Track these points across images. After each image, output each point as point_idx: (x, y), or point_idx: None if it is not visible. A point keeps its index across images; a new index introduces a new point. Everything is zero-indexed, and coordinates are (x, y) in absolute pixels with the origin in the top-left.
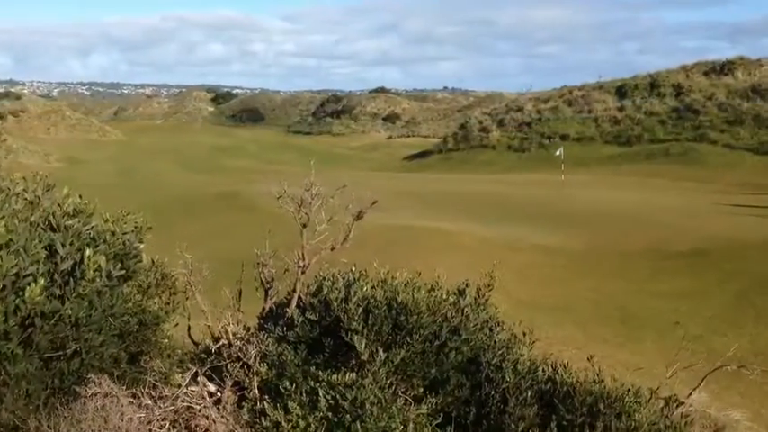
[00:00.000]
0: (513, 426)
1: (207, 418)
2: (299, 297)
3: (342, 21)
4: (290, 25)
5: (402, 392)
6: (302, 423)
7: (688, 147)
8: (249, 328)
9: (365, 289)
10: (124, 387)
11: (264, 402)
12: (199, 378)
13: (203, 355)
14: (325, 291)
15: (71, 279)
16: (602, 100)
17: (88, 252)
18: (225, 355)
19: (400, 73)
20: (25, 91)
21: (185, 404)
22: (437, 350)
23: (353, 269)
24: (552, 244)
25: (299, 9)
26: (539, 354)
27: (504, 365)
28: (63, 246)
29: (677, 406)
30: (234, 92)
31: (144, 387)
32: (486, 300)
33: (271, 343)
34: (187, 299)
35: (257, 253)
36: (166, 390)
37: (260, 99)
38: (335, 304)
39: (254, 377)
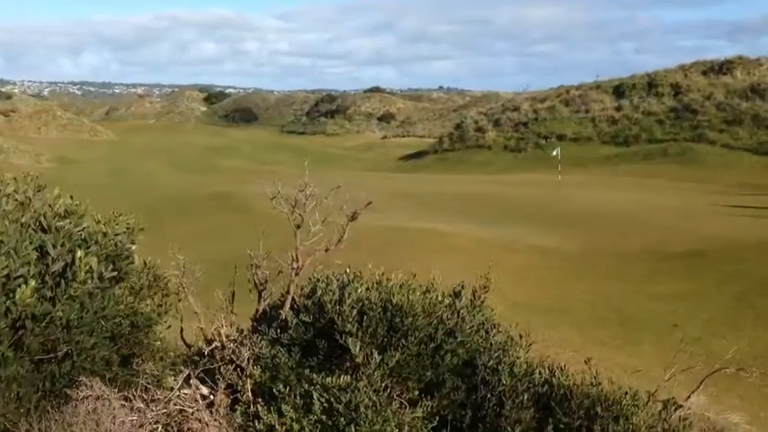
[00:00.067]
0: (509, 429)
1: (200, 421)
2: (293, 299)
3: (336, 19)
4: (284, 24)
5: (397, 395)
6: (296, 426)
7: (686, 147)
8: (242, 331)
9: (360, 291)
10: (116, 390)
11: (258, 405)
12: (191, 381)
13: (196, 358)
14: (320, 292)
15: (62, 281)
16: (599, 99)
17: (79, 253)
18: (218, 357)
19: (395, 72)
20: (16, 90)
21: (178, 407)
22: (432, 353)
23: (348, 271)
24: (549, 245)
25: (293, 8)
26: (535, 356)
27: (500, 368)
28: (54, 247)
29: (675, 409)
30: (227, 91)
31: (136, 390)
32: (482, 302)
33: (264, 345)
34: (180, 301)
35: (250, 254)
36: (159, 393)
37: (253, 99)
38: (330, 306)
39: (248, 380)
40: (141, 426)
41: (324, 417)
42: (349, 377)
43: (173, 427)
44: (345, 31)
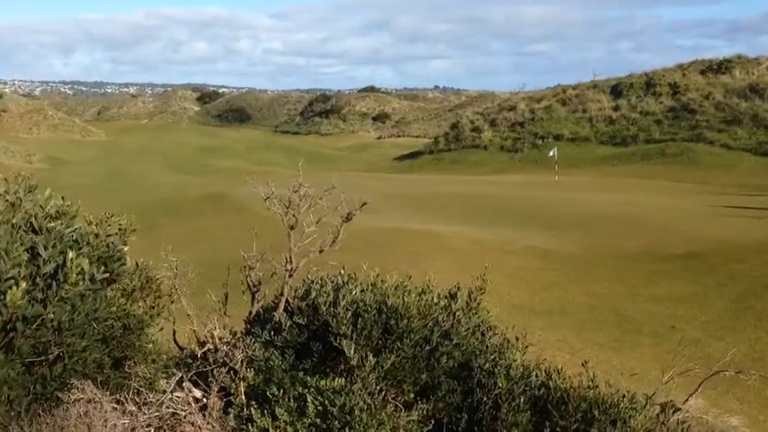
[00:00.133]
0: None
1: (192, 424)
2: (287, 301)
3: (330, 18)
4: (278, 23)
5: (392, 398)
6: (290, 429)
7: (684, 147)
8: (236, 333)
9: (354, 292)
10: (108, 393)
11: (251, 408)
12: (184, 384)
13: (189, 360)
14: (314, 294)
15: (53, 282)
16: (596, 99)
17: (71, 255)
18: (211, 360)
19: (390, 71)
20: (6, 90)
21: (170, 410)
22: (428, 355)
23: (342, 272)
24: (546, 246)
25: (287, 6)
26: (532, 359)
27: (496, 371)
28: (45, 248)
29: (674, 412)
30: (220, 91)
31: (128, 393)
32: (478, 303)
33: (258, 348)
34: (172, 302)
35: (244, 255)
36: (151, 396)
37: (247, 98)
38: (324, 308)
39: (241, 383)
40: (133, 429)
41: (318, 420)
42: (343, 380)
43: (165, 431)
44: (340, 30)
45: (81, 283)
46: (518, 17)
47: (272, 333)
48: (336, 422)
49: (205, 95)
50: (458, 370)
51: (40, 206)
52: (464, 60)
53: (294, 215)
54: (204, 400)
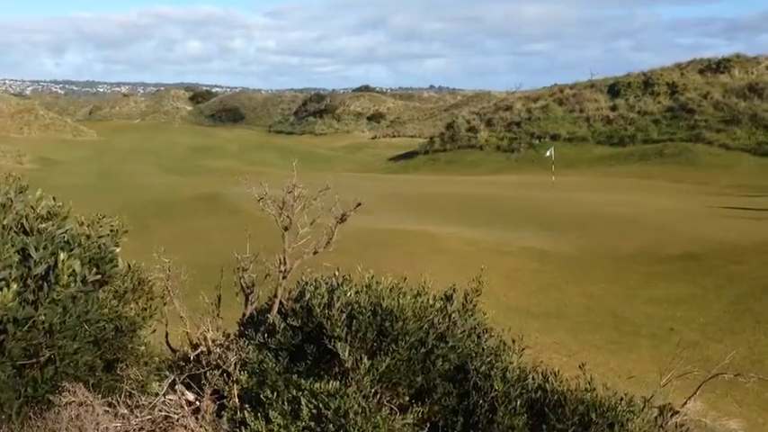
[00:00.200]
0: None
1: (185, 427)
2: (281, 303)
3: (325, 17)
4: (272, 21)
5: (387, 401)
6: None
7: (683, 147)
8: (229, 335)
9: (349, 294)
10: (100, 396)
11: (245, 411)
12: (177, 386)
13: (181, 363)
14: (308, 296)
15: (45, 284)
16: (593, 99)
17: (62, 256)
18: (204, 362)
19: (385, 71)
20: None
21: (163, 413)
22: (423, 357)
23: (337, 274)
24: (542, 247)
25: (281, 5)
26: (528, 361)
27: (492, 373)
28: (36, 250)
29: (672, 415)
30: (213, 90)
31: (120, 396)
32: (474, 305)
33: (251, 350)
34: (165, 304)
35: (237, 257)
36: (143, 398)
37: (240, 98)
38: (318, 310)
39: (234, 385)
40: None
41: (312, 423)
42: (338, 383)
43: None
44: (334, 29)
45: (72, 284)
46: (515, 16)
47: (266, 335)
48: (331, 425)
49: (198, 95)
50: (453, 373)
51: (31, 207)
52: (460, 59)
53: (288, 216)
54: (197, 403)
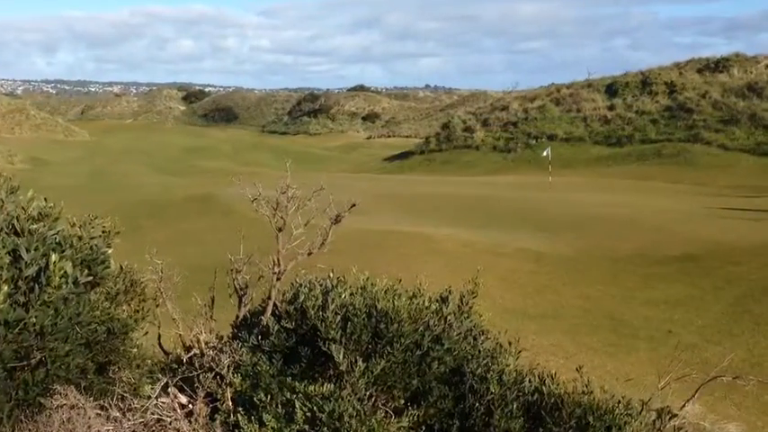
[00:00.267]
0: None
1: (178, 431)
2: (275, 304)
3: (319, 15)
4: (266, 20)
5: (382, 404)
6: None
7: (681, 147)
8: (222, 337)
9: (343, 296)
10: (91, 399)
11: (238, 415)
12: (169, 389)
13: (174, 366)
14: (302, 298)
15: (36, 286)
16: (591, 98)
17: (54, 257)
18: (197, 365)
19: (380, 70)
20: None
21: (155, 416)
22: (419, 360)
23: (331, 275)
24: (539, 249)
25: (275, 3)
26: (525, 364)
27: (488, 376)
28: (27, 251)
29: (670, 418)
30: (206, 90)
31: (112, 399)
32: (470, 307)
33: (245, 352)
34: (157, 306)
35: (231, 258)
36: (135, 401)
37: (233, 97)
38: (312, 312)
39: (228, 388)
40: None
41: (306, 426)
42: (332, 385)
43: None
44: (329, 28)
45: (64, 286)
46: (510, 14)
47: (260, 337)
48: (325, 428)
49: (191, 95)
50: (449, 375)
51: (23, 208)
52: (455, 59)
53: (282, 217)
54: (190, 406)
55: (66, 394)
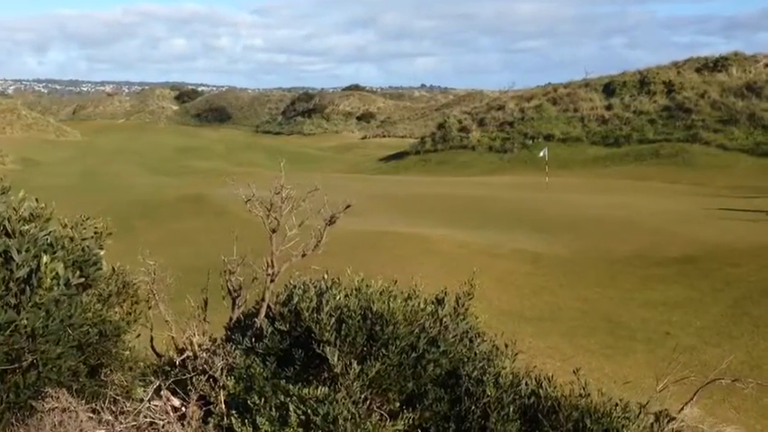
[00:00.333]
0: None
1: None
2: (269, 306)
3: (313, 14)
4: (259, 19)
5: (377, 407)
6: None
7: (679, 147)
8: (215, 340)
9: (338, 298)
10: (83, 401)
11: (232, 418)
12: (162, 392)
13: (167, 368)
14: (296, 300)
15: (27, 287)
16: (588, 98)
17: (45, 259)
18: (190, 367)
19: (375, 69)
20: None
21: (148, 419)
22: (414, 362)
23: (326, 277)
24: (536, 250)
25: (269, 2)
26: (522, 366)
27: (485, 379)
28: (18, 252)
29: (668, 422)
30: (199, 89)
31: (104, 401)
32: (466, 309)
33: (238, 355)
34: (150, 308)
35: (224, 260)
36: (128, 404)
37: (227, 97)
38: (307, 314)
39: (221, 391)
40: None
41: (301, 429)
42: (327, 388)
43: None
44: (323, 27)
45: (55, 288)
46: (507, 13)
47: (253, 340)
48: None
49: (184, 94)
50: (445, 378)
51: (14, 208)
52: (451, 58)
53: (276, 218)
54: (183, 409)
55: (58, 397)
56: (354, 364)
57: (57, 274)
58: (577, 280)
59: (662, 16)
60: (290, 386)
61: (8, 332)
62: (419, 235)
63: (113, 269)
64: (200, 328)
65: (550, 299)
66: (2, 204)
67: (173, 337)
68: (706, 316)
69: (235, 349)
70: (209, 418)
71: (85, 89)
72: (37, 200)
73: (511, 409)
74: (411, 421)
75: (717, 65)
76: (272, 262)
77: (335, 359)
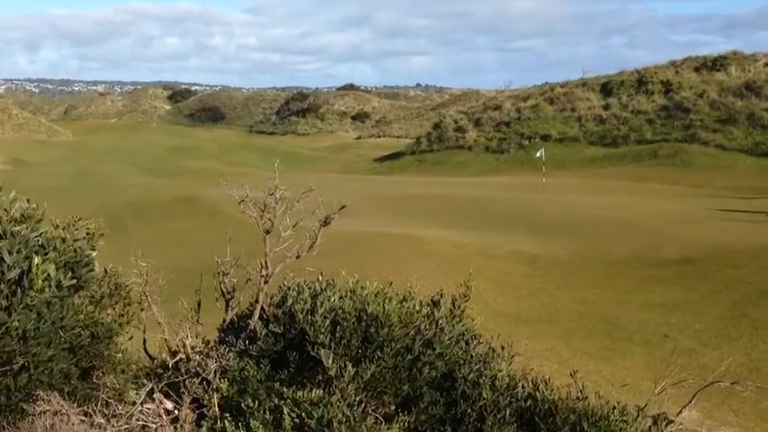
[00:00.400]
0: None
1: None
2: (263, 308)
3: (308, 13)
4: (253, 18)
5: (372, 410)
6: None
7: (678, 148)
8: (209, 342)
9: (333, 299)
10: (75, 404)
11: (225, 421)
12: (155, 395)
13: (160, 371)
14: (290, 301)
15: (18, 289)
16: (585, 98)
17: (37, 260)
18: (183, 370)
19: (370, 69)
20: None
21: (140, 423)
22: (410, 365)
23: (320, 278)
24: (532, 251)
25: (262, 1)
26: (518, 369)
27: (481, 381)
28: (10, 253)
29: (666, 425)
30: (192, 89)
31: (96, 404)
32: (463, 311)
33: (232, 357)
34: (142, 310)
35: (217, 261)
36: (120, 407)
37: (220, 97)
38: (301, 316)
39: (214, 394)
40: None
41: None
42: (321, 391)
43: None
44: (318, 26)
45: (47, 289)
46: (504, 11)
47: (247, 342)
48: None
49: (177, 94)
50: (441, 380)
51: (5, 209)
52: (447, 57)
53: (270, 219)
54: (176, 412)
55: (50, 400)
56: (349, 367)
57: (48, 275)
58: (575, 281)
59: (662, 14)
60: (285, 389)
61: None
62: (415, 236)
63: (105, 270)
64: (193, 331)
65: (547, 300)
66: None
67: (165, 340)
68: (705, 318)
69: (228, 351)
70: (203, 422)
71: (77, 88)
72: (28, 200)
73: (507, 413)
74: (406, 424)
75: (715, 64)
76: (265, 263)
77: (330, 362)
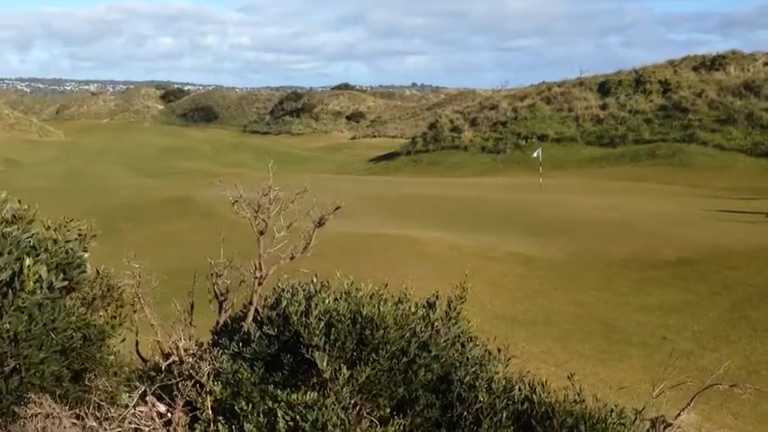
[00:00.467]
0: None
1: None
2: (256, 310)
3: (302, 11)
4: (246, 16)
5: (367, 413)
6: None
7: (676, 148)
8: (202, 344)
9: (327, 301)
10: (67, 407)
11: (219, 424)
12: (147, 398)
13: (152, 373)
14: (285, 303)
15: (9, 291)
16: (583, 97)
17: (28, 261)
18: (176, 372)
19: (365, 68)
20: None
21: (133, 426)
22: (405, 368)
23: (315, 280)
24: (529, 252)
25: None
26: (515, 371)
27: (477, 384)
28: (1, 255)
29: (664, 428)
30: (185, 88)
31: (88, 407)
32: (458, 313)
33: (225, 360)
34: (135, 312)
35: (211, 262)
36: (112, 410)
37: (214, 96)
38: (295, 318)
39: (208, 396)
40: None
41: None
42: (316, 394)
43: None
44: (312, 25)
45: (39, 291)
46: (500, 10)
47: (241, 344)
48: None
49: (169, 93)
50: (436, 383)
51: None
52: (443, 56)
53: (264, 220)
54: (169, 414)
55: (41, 403)
56: (344, 369)
57: (40, 277)
58: (572, 283)
59: (659, 13)
60: (279, 391)
61: None
62: (410, 237)
63: (98, 272)
64: (186, 333)
65: (544, 302)
66: None
67: (158, 342)
68: (703, 320)
69: (222, 354)
70: (196, 425)
71: (69, 88)
72: (19, 201)
73: (504, 415)
74: (402, 427)
75: (714, 63)
76: (259, 265)
77: (325, 364)
